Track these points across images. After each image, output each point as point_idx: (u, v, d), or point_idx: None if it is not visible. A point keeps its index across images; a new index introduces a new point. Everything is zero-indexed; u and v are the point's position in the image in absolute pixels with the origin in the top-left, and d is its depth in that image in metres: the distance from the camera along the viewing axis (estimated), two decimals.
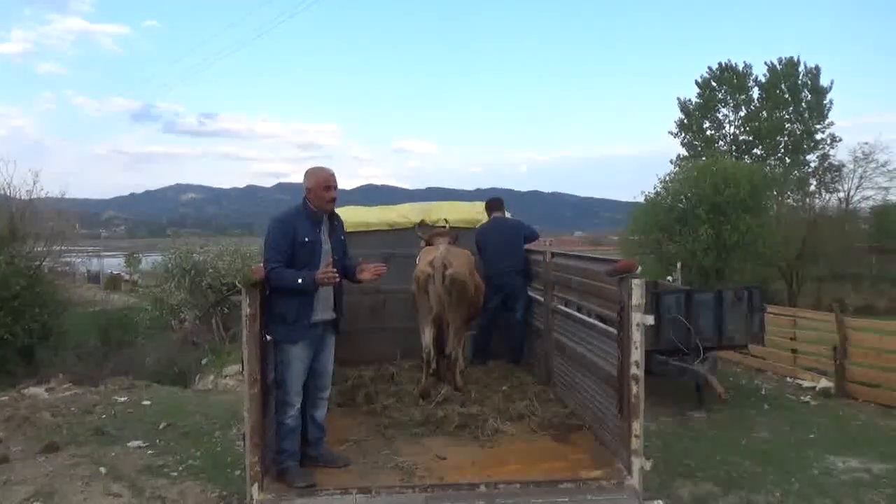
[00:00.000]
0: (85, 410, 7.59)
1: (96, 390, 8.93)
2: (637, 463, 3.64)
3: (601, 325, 4.37)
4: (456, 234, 6.30)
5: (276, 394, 4.11)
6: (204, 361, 14.24)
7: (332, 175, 4.17)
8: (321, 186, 4.10)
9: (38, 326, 14.20)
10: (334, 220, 4.26)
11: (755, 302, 8.16)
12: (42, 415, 7.16)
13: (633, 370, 3.56)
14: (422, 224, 6.51)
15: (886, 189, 29.70)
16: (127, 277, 36.83)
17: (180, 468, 5.79)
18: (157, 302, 17.08)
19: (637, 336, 3.53)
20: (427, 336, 5.44)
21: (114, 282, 36.61)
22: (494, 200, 6.86)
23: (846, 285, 29.89)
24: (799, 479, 5.68)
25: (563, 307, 5.37)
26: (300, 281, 3.88)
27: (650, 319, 3.54)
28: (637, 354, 3.54)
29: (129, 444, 6.35)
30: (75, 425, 6.94)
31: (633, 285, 3.53)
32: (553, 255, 5.68)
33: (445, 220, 6.68)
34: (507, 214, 6.94)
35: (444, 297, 5.26)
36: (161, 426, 7.01)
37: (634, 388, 3.57)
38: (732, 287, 9.48)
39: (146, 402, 8.17)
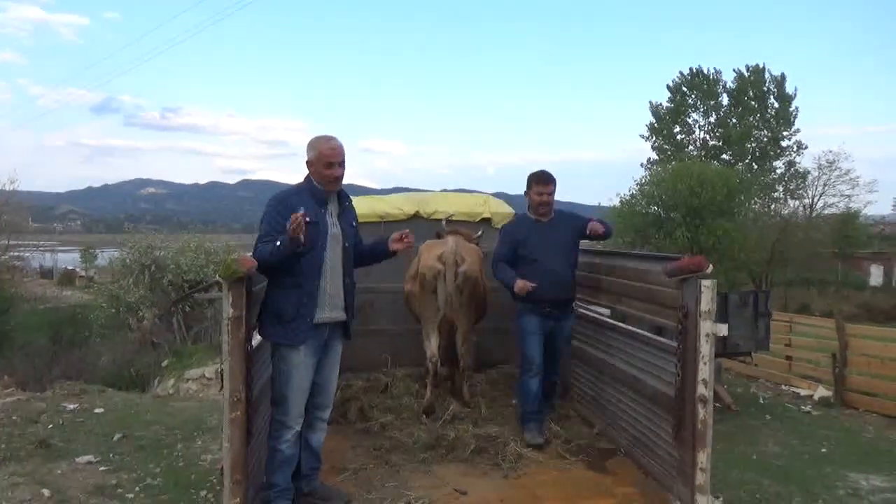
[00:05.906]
0: (29, 419, 6.80)
1: (43, 396, 8.16)
2: (703, 502, 2.96)
3: (646, 333, 3.74)
4: (481, 231, 5.74)
5: (272, 413, 3.34)
6: (164, 363, 13.41)
7: (338, 149, 3.40)
8: (322, 163, 3.36)
9: None
10: (344, 200, 3.51)
11: (760, 306, 7.79)
12: None
13: (701, 390, 2.93)
14: (448, 220, 5.83)
15: (849, 197, 30.61)
16: (82, 273, 35.60)
17: (137, 488, 5.09)
18: (113, 299, 16.05)
19: (706, 349, 2.90)
20: (433, 342, 4.71)
21: (68, 277, 35.36)
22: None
23: (812, 290, 30.52)
24: (826, 500, 5.27)
25: (586, 311, 4.71)
26: (279, 244, 3.07)
27: (723, 329, 2.90)
28: (706, 371, 2.92)
29: (77, 460, 5.64)
30: (16, 437, 6.16)
31: (702, 288, 2.91)
32: None
33: (451, 215, 6.00)
34: (510, 208, 6.28)
35: (454, 297, 4.59)
36: (115, 438, 6.31)
37: (701, 413, 2.93)
38: (737, 290, 9.12)
39: (99, 410, 7.43)
